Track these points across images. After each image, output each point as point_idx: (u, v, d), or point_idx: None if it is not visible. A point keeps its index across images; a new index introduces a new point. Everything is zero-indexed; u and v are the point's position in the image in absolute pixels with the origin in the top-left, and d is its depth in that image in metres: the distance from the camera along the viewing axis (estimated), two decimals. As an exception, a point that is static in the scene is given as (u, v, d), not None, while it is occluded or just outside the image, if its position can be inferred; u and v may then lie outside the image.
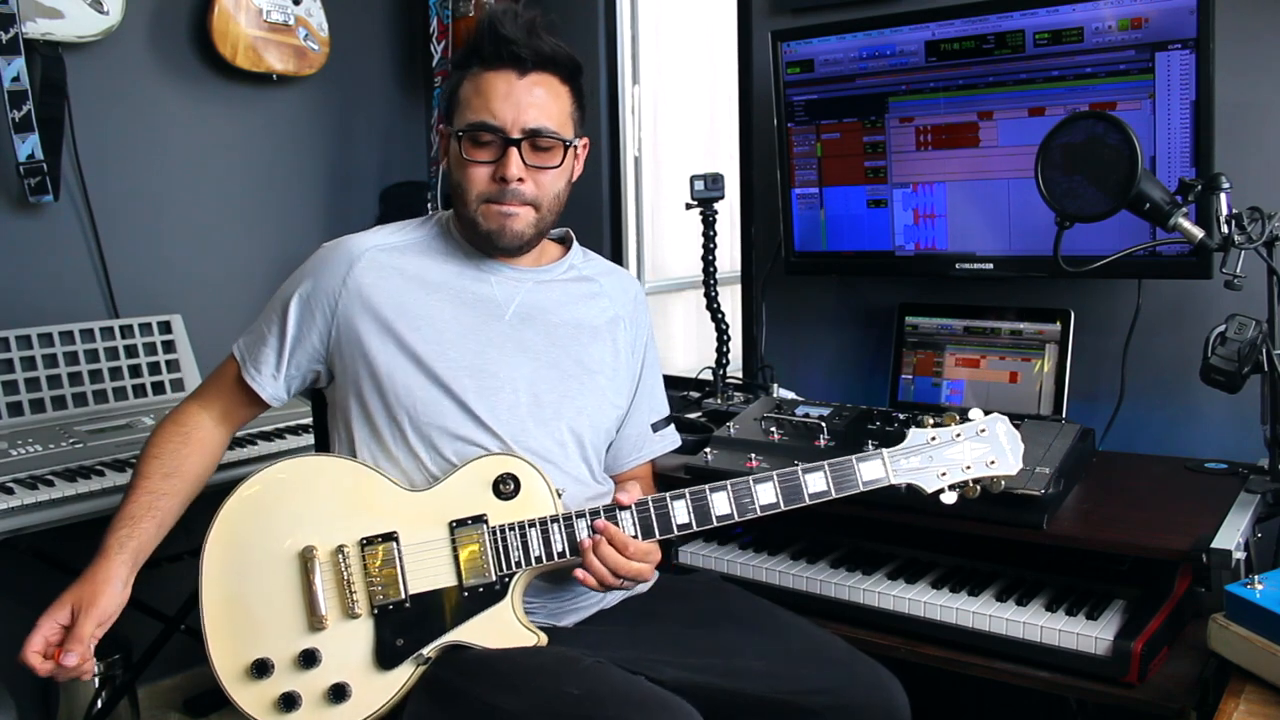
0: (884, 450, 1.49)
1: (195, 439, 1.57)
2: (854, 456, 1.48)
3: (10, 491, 1.94)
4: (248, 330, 1.61)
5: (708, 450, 1.96)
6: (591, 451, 1.61)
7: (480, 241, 1.56)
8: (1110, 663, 1.51)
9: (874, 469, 1.48)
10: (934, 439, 1.49)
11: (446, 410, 1.51)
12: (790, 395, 2.30)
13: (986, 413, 1.51)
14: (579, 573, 1.44)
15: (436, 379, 1.51)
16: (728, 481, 1.47)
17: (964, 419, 1.50)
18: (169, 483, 1.51)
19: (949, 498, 1.48)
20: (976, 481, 1.48)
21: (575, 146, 1.56)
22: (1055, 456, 1.71)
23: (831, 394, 2.45)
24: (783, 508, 1.47)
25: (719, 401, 2.36)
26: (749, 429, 2.01)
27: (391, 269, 1.55)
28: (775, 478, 1.47)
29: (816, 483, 1.47)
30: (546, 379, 1.56)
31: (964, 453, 1.48)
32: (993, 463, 1.48)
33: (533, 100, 1.49)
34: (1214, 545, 1.50)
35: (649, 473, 1.76)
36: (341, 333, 1.54)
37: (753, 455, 1.91)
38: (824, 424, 1.94)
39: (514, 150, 1.48)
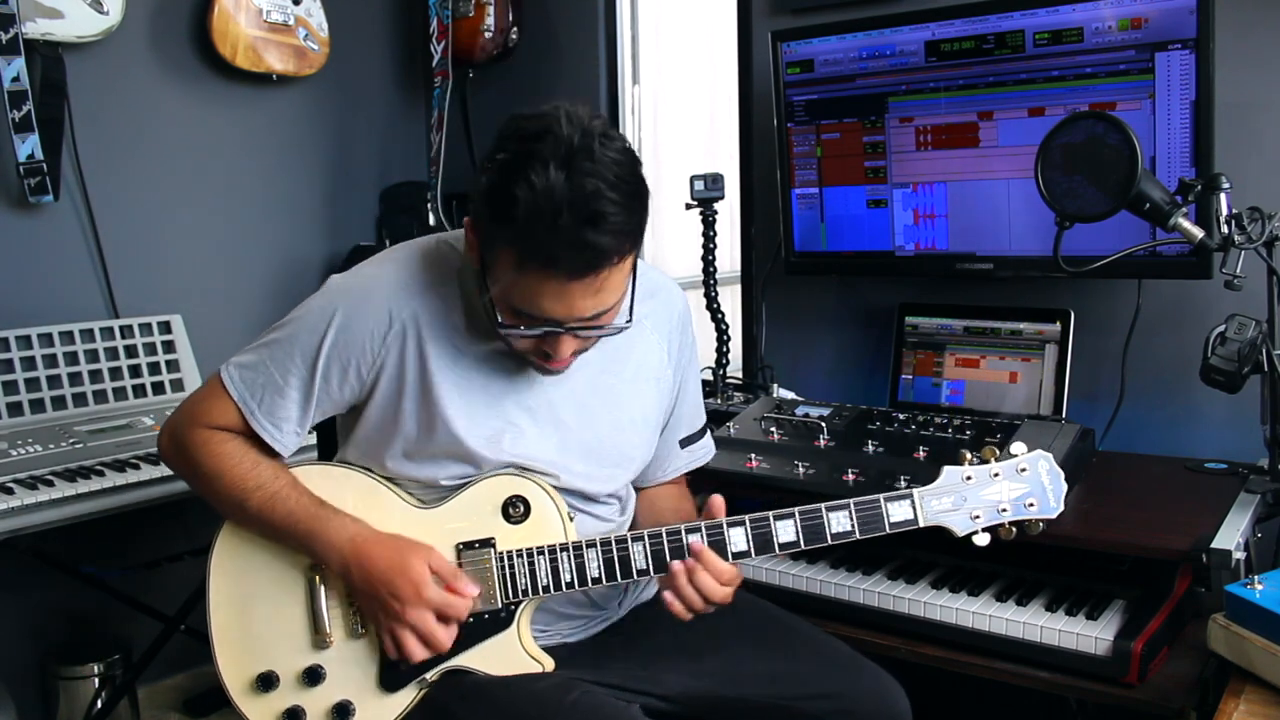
0: (914, 490, 1.40)
1: (234, 442, 1.45)
2: (882, 495, 1.40)
3: (10, 491, 1.93)
4: (243, 364, 1.43)
5: (708, 450, 1.96)
6: (618, 496, 1.56)
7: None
8: (1110, 663, 1.51)
9: (903, 510, 1.39)
10: (969, 478, 1.39)
11: (468, 474, 1.43)
12: (790, 395, 2.30)
13: (1031, 448, 1.41)
14: (667, 595, 1.37)
15: (465, 454, 1.41)
16: (746, 517, 1.40)
17: (1005, 453, 1.41)
18: (263, 478, 1.42)
19: (981, 540, 1.40)
20: (1013, 524, 1.40)
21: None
22: (1055, 457, 1.70)
23: (831, 394, 2.44)
24: (803, 547, 1.39)
25: (719, 401, 2.36)
26: (749, 429, 2.01)
27: (430, 331, 1.40)
28: (797, 515, 1.39)
29: (840, 522, 1.39)
30: (578, 446, 1.47)
31: (1001, 493, 1.39)
32: (1031, 504, 1.39)
33: (594, 295, 1.27)
34: (1214, 545, 1.50)
35: (681, 481, 1.69)
36: (377, 391, 1.41)
37: (753, 455, 1.91)
38: (824, 424, 1.94)
39: (566, 337, 1.30)
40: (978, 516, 1.39)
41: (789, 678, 1.44)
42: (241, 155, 2.80)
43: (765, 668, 1.45)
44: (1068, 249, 1.72)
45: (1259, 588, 1.35)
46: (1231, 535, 1.53)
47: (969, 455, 1.41)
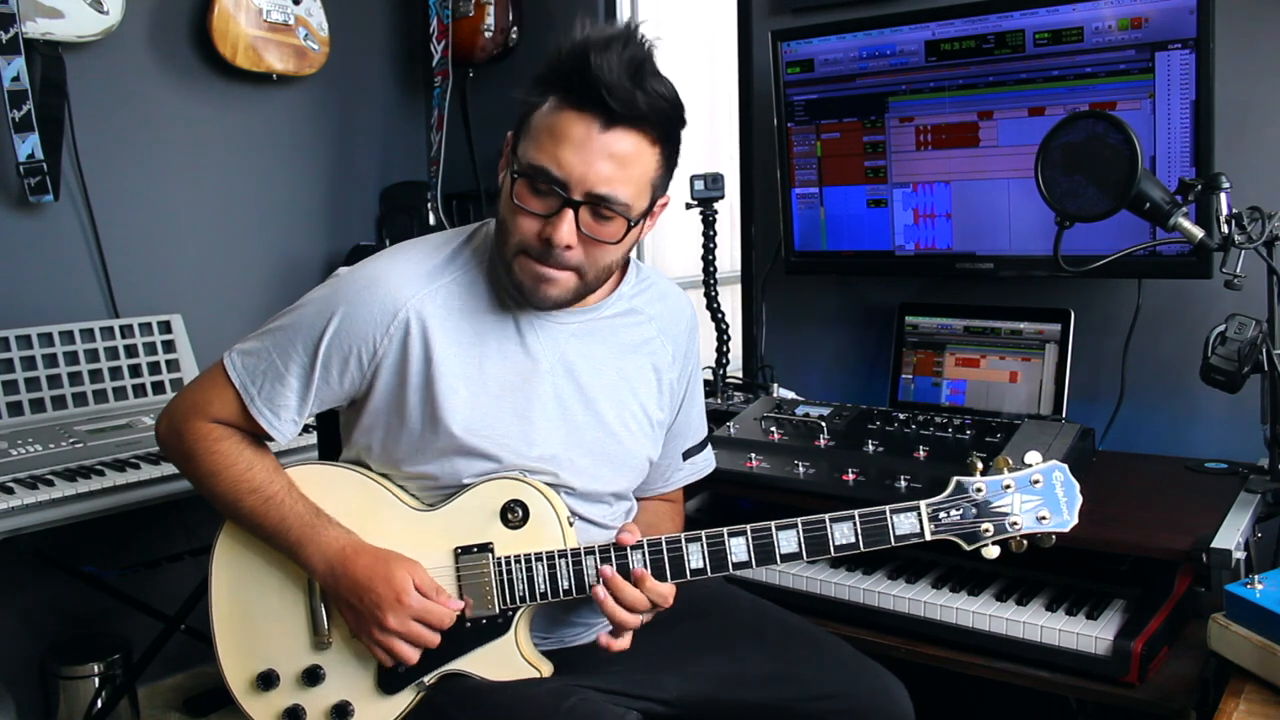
0: (922, 502, 1.34)
1: (231, 440, 1.45)
2: (888, 507, 1.35)
3: (10, 491, 1.93)
4: (246, 350, 1.43)
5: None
6: (622, 503, 1.55)
7: (511, 289, 1.40)
8: (1110, 663, 1.51)
9: (909, 523, 1.34)
10: (979, 490, 1.34)
11: (475, 468, 1.42)
12: (790, 395, 2.30)
13: (1045, 456, 1.36)
14: (603, 638, 1.38)
15: (469, 448, 1.40)
16: (748, 526, 1.36)
17: (1019, 462, 1.36)
18: (258, 481, 1.43)
19: (991, 552, 1.35)
20: (1024, 537, 1.34)
21: (644, 221, 1.39)
22: (1055, 456, 1.70)
23: (831, 394, 2.44)
24: (805, 559, 1.36)
25: (719, 401, 2.36)
26: (749, 429, 2.01)
27: (436, 320, 1.39)
28: (800, 526, 1.36)
29: (844, 534, 1.35)
30: (583, 442, 1.46)
31: (1013, 505, 1.34)
32: (1044, 518, 1.34)
33: (609, 161, 1.28)
34: (1214, 545, 1.50)
35: (679, 498, 1.69)
36: (378, 383, 1.40)
37: (753, 455, 1.91)
38: (824, 424, 1.94)
39: (569, 213, 1.29)
40: (988, 530, 1.34)
41: (790, 679, 1.44)
42: (241, 155, 2.80)
43: (766, 669, 1.45)
44: (1068, 249, 1.72)
45: (1259, 587, 1.35)
46: (1231, 535, 1.53)
47: (979, 464, 1.36)
